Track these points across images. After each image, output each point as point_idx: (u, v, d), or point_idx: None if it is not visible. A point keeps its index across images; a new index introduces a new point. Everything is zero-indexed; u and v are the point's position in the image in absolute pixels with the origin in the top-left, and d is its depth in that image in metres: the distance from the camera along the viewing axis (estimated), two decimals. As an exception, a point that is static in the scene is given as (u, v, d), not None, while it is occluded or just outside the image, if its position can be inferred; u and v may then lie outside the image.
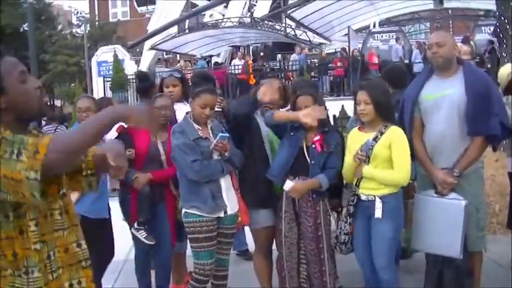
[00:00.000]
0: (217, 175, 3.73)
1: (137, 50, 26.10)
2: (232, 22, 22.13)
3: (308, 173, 3.77)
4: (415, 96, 3.76)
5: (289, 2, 24.18)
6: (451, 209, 3.57)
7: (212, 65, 23.17)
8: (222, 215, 3.76)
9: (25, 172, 1.63)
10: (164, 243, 4.18)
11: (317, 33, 22.71)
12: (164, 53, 26.79)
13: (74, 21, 36.44)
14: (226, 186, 3.81)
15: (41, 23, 31.15)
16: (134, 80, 19.23)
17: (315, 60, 21.91)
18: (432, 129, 3.71)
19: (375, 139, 3.53)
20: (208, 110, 3.76)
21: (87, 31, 30.89)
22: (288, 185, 3.74)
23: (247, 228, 4.32)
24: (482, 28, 21.80)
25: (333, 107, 6.45)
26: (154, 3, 28.82)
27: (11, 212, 1.77)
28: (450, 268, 3.65)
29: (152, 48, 22.72)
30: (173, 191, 4.17)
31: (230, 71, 20.23)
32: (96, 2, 37.52)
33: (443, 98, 3.63)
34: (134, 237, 4.18)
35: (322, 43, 25.47)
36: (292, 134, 3.88)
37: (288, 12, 20.23)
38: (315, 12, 19.47)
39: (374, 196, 3.52)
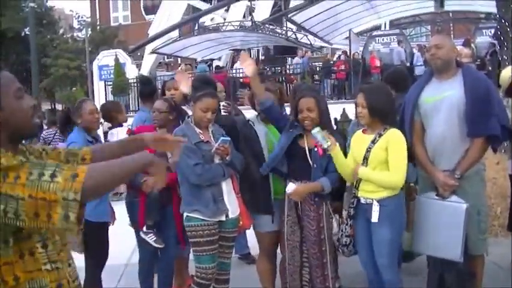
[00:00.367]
0: (218, 179, 3.74)
1: (139, 54, 26.14)
2: (233, 26, 22.12)
3: (310, 176, 3.78)
4: (415, 100, 3.77)
5: (290, 5, 24.21)
6: (451, 212, 3.56)
7: (213, 69, 23.18)
8: (223, 218, 3.76)
9: (62, 193, 1.60)
10: (168, 247, 4.19)
11: (318, 37, 22.72)
12: (166, 56, 26.83)
13: (76, 25, 36.55)
14: (228, 189, 3.82)
15: (42, 27, 31.26)
16: (135, 84, 19.28)
17: (319, 63, 21.92)
18: (432, 132, 3.71)
19: (374, 141, 3.55)
20: (209, 113, 3.77)
21: (88, 35, 30.99)
22: (291, 187, 3.74)
23: (248, 232, 4.33)
24: (483, 31, 21.79)
25: (335, 110, 6.44)
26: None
27: (11, 237, 1.72)
28: (451, 271, 3.65)
29: (153, 52, 22.74)
30: (180, 194, 4.19)
31: (232, 75, 20.22)
32: (97, 6, 37.59)
33: (442, 100, 3.64)
34: (141, 241, 4.19)
35: (323, 46, 25.50)
36: (291, 130, 3.89)
37: (289, 15, 20.24)
38: (316, 15, 19.47)
39: (372, 199, 3.53)
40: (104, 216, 4.17)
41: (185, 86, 4.35)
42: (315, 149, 3.79)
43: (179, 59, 28.92)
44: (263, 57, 26.55)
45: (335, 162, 3.69)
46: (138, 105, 16.63)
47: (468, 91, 3.55)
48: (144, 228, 4.11)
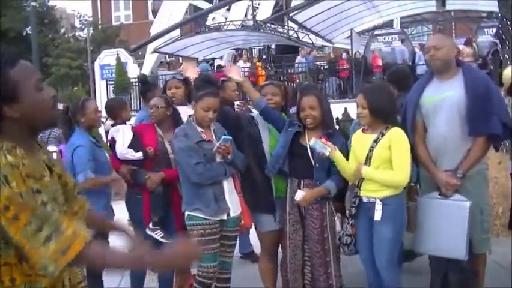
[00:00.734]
0: (220, 178, 3.74)
1: (140, 53, 26.14)
2: (234, 25, 22.12)
3: (313, 176, 3.78)
4: (416, 100, 3.77)
5: (292, 4, 24.20)
6: (455, 210, 3.57)
7: (215, 68, 23.19)
8: (224, 217, 3.77)
9: (44, 260, 1.59)
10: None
11: (320, 36, 22.71)
12: (167, 56, 26.83)
13: (77, 24, 36.52)
14: (229, 188, 3.82)
15: (44, 27, 31.25)
16: (137, 83, 19.28)
17: (322, 62, 21.91)
18: (434, 132, 3.71)
19: (376, 141, 3.54)
20: (211, 113, 3.77)
21: (90, 34, 30.99)
22: (299, 195, 3.74)
23: (252, 230, 4.33)
24: (485, 30, 21.72)
25: (336, 109, 6.44)
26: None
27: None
28: (455, 270, 3.65)
29: (154, 51, 22.75)
30: (180, 192, 4.20)
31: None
32: (99, 5, 37.58)
33: (443, 100, 3.64)
34: (147, 237, 4.19)
35: (324, 45, 25.47)
36: (290, 129, 3.89)
37: (290, 14, 20.23)
38: (317, 14, 19.46)
39: (375, 198, 3.53)
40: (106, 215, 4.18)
41: (192, 72, 4.45)
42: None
43: (180, 59, 28.93)
44: (265, 56, 26.54)
45: (336, 165, 3.69)
46: (140, 105, 16.63)
47: (469, 91, 3.55)
48: (150, 225, 4.12)
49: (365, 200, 3.59)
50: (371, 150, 3.54)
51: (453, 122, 3.61)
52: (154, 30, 24.24)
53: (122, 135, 4.23)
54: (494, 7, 14.04)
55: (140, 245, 1.97)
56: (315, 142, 3.60)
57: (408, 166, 3.51)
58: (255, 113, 4.19)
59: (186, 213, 3.78)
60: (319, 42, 23.63)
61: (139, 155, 4.12)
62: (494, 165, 5.72)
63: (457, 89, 3.61)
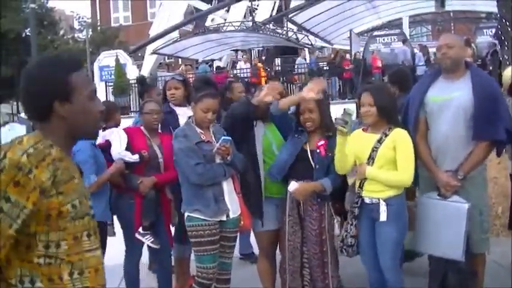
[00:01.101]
0: (219, 178, 3.74)
1: (139, 54, 26.16)
2: (233, 26, 22.14)
3: (313, 177, 3.78)
4: (421, 98, 3.75)
5: (291, 5, 24.23)
6: (453, 212, 3.56)
7: (214, 69, 23.20)
8: (224, 218, 3.76)
9: None
10: (164, 246, 4.21)
11: (319, 37, 22.74)
12: (166, 57, 26.85)
13: (76, 26, 36.58)
14: (229, 189, 3.81)
15: (43, 28, 31.24)
16: (136, 85, 19.29)
17: (323, 63, 21.95)
18: (437, 131, 3.70)
19: (380, 141, 3.54)
20: (210, 114, 3.77)
21: (89, 36, 31.00)
22: (293, 186, 3.75)
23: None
24: (484, 30, 21.79)
25: (337, 110, 6.44)
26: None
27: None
28: (454, 270, 3.65)
29: (154, 52, 22.77)
30: (167, 195, 4.25)
31: (237, 75, 20.21)
32: (98, 7, 37.60)
33: (451, 100, 3.62)
34: (137, 241, 4.19)
35: (324, 46, 25.52)
36: (296, 136, 3.89)
37: (289, 16, 20.26)
38: (316, 16, 19.50)
39: (378, 199, 3.52)
40: (106, 216, 4.17)
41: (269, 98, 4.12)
42: (318, 151, 3.80)
43: (180, 60, 28.95)
44: (264, 57, 26.57)
45: (338, 151, 3.65)
46: (139, 106, 16.63)
47: (476, 94, 3.54)
48: (140, 230, 4.12)
49: (367, 200, 3.57)
50: (374, 150, 3.53)
51: (457, 122, 3.60)
52: (153, 32, 24.26)
53: (119, 138, 4.22)
54: (493, 8, 14.06)
55: None
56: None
57: (413, 166, 3.50)
58: None
59: (186, 214, 3.77)
60: (318, 43, 23.68)
61: (136, 157, 4.11)
62: (493, 165, 5.71)
63: (465, 90, 3.60)
